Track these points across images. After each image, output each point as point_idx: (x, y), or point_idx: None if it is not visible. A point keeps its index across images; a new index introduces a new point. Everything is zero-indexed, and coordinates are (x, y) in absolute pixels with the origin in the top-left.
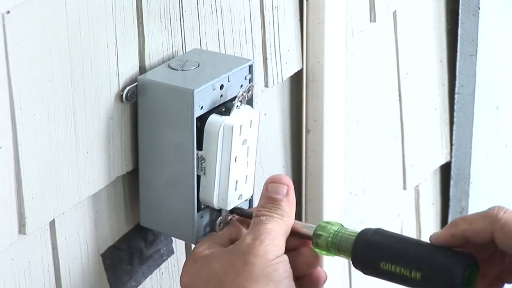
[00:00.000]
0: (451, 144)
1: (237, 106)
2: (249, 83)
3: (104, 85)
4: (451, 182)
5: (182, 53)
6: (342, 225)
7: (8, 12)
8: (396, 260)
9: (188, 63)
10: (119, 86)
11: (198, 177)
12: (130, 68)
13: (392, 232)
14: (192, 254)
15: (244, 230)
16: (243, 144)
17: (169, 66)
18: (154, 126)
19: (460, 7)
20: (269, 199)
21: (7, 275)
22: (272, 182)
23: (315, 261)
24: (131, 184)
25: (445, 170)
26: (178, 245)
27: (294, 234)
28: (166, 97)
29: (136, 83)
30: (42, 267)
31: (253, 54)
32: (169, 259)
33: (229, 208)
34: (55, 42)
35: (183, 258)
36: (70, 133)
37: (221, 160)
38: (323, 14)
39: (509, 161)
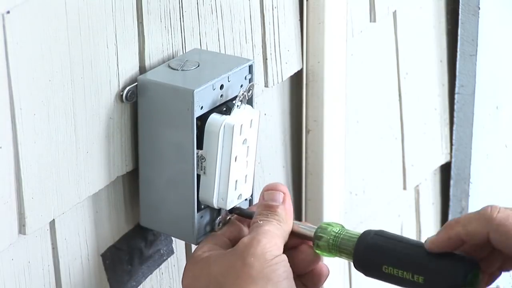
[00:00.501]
0: (451, 144)
1: (238, 105)
2: (249, 83)
3: (104, 85)
4: (451, 182)
5: (182, 53)
6: (343, 226)
7: (8, 12)
8: (398, 263)
9: (188, 63)
10: (119, 86)
11: (198, 176)
12: (130, 68)
13: (393, 234)
14: (192, 257)
15: (244, 229)
16: (243, 143)
17: (169, 66)
18: (154, 126)
19: (460, 7)
20: (266, 207)
21: (7, 275)
22: (268, 190)
23: (316, 258)
24: (131, 184)
25: (445, 170)
26: (178, 245)
27: (294, 235)
28: (166, 97)
29: (136, 83)
30: (42, 267)
31: (253, 54)
32: (169, 259)
33: (229, 207)
34: (55, 42)
35: (183, 258)
36: (70, 133)
37: (221, 160)
38: (323, 14)
39: (509, 161)
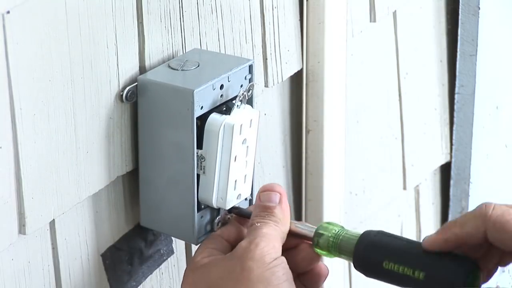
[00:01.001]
0: (451, 144)
1: (238, 105)
2: (249, 83)
3: (104, 85)
4: (451, 182)
5: (182, 53)
6: (343, 227)
7: (8, 12)
8: (399, 259)
9: (188, 63)
10: (119, 86)
11: (198, 176)
12: (130, 68)
13: (394, 234)
14: (191, 263)
15: (243, 230)
16: (243, 143)
17: (169, 66)
18: (154, 126)
19: (460, 7)
20: (263, 208)
21: (7, 275)
22: (264, 191)
23: (315, 257)
24: (131, 184)
25: (445, 170)
26: (178, 245)
27: (293, 235)
28: (166, 97)
29: (136, 83)
30: (42, 267)
31: (253, 54)
32: (169, 259)
33: (228, 207)
34: (55, 42)
35: (183, 258)
36: (70, 133)
37: (221, 159)
38: (323, 14)
39: (509, 161)
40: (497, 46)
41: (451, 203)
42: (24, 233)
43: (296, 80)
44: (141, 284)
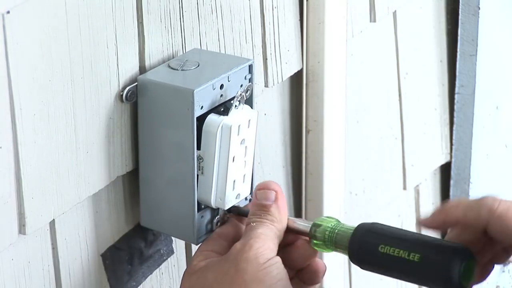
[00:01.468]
0: (451, 144)
1: (236, 106)
2: (249, 83)
3: (104, 85)
4: (451, 182)
5: (182, 53)
6: (338, 221)
7: (8, 12)
8: (395, 242)
9: (188, 63)
10: (119, 86)
11: (197, 176)
12: (130, 68)
13: (390, 225)
14: (189, 267)
15: (242, 228)
16: (241, 143)
17: (169, 66)
18: (154, 126)
19: (460, 7)
20: (259, 206)
21: (7, 275)
22: (260, 189)
23: (312, 252)
24: (131, 184)
25: (445, 170)
26: (178, 245)
27: (290, 231)
28: (166, 97)
29: (136, 83)
30: (42, 267)
31: (253, 54)
32: (169, 259)
33: (227, 207)
34: (55, 42)
35: (183, 258)
36: (70, 133)
37: (219, 160)
38: (323, 14)
39: (509, 161)
40: (497, 46)
41: None
42: (24, 233)
43: (296, 80)
44: (141, 284)
